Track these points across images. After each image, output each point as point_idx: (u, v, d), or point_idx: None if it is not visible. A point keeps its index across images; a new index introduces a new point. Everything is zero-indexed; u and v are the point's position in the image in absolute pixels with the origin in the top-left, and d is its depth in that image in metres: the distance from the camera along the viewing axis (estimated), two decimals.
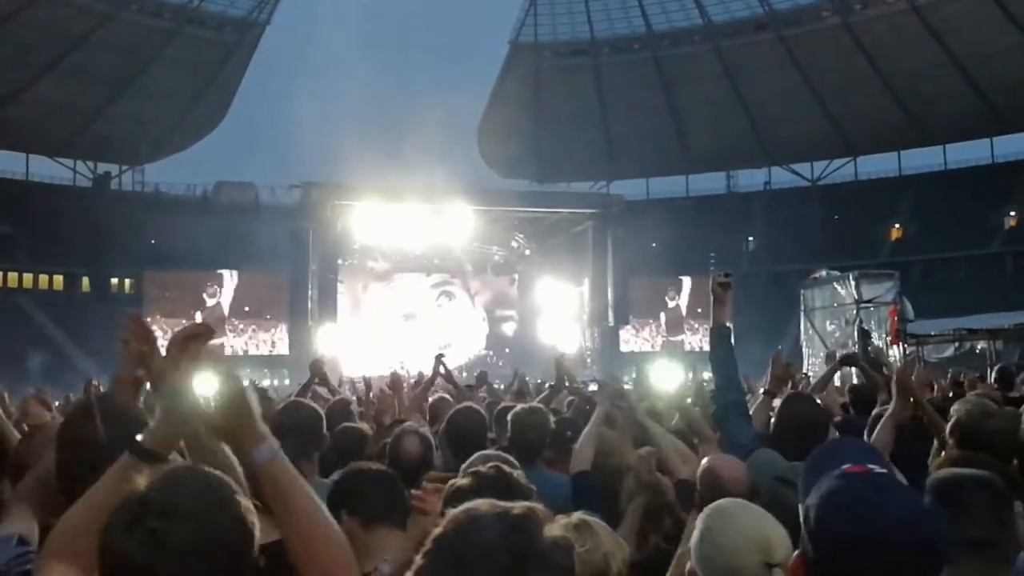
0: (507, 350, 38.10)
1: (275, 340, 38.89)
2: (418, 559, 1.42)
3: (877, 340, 19.32)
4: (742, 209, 52.93)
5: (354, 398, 8.71)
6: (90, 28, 47.83)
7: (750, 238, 52.60)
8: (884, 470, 1.86)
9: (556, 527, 1.42)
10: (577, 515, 2.01)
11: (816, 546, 1.72)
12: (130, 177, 54.94)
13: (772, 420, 4.44)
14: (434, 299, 39.48)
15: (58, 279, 48.91)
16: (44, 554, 1.90)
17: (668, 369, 4.92)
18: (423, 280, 38.45)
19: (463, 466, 3.34)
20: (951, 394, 7.69)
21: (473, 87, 73.83)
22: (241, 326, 39.12)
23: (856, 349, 17.49)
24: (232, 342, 37.92)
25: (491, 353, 38.10)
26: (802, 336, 23.51)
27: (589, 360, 33.48)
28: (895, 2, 48.62)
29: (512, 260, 37.89)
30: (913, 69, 50.05)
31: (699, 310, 42.52)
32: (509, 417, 4.82)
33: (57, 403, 10.08)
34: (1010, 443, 3.78)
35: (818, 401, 4.96)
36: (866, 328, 19.57)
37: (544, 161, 58.00)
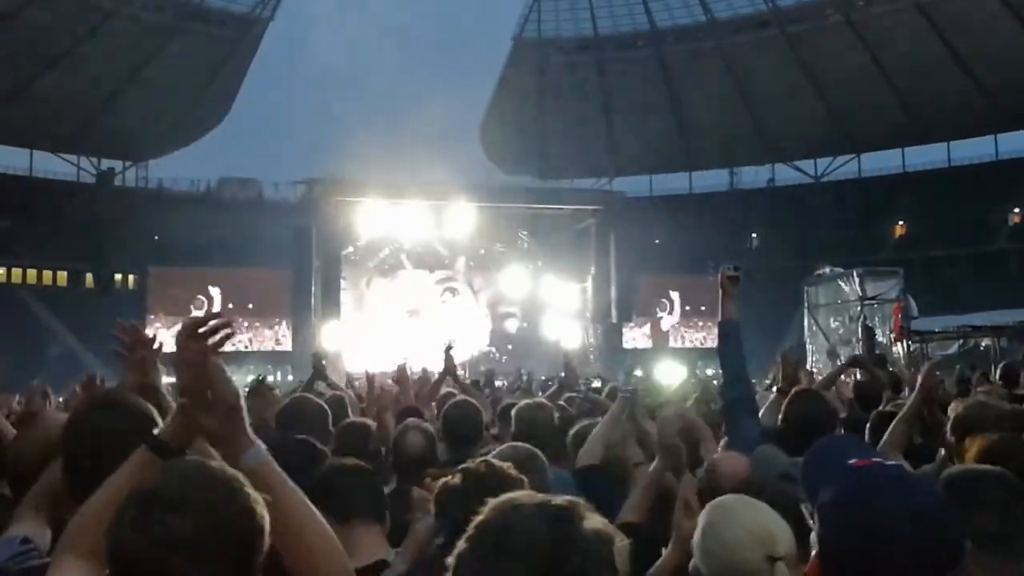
0: (510, 347, 38.11)
1: (279, 336, 38.96)
2: (460, 544, 1.42)
3: (881, 337, 19.32)
4: (745, 206, 52.95)
5: (351, 393, 8.68)
6: (94, 24, 47.84)
7: (753, 235, 52.62)
8: (892, 461, 1.86)
9: (596, 519, 1.43)
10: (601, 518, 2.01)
11: (833, 542, 1.71)
12: (134, 173, 54.99)
13: (779, 417, 4.43)
14: (438, 295, 39.49)
15: (62, 275, 48.94)
16: (60, 549, 1.91)
17: (671, 367, 4.94)
18: (427, 276, 38.46)
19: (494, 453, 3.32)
20: (956, 392, 7.69)
21: (476, 83, 73.76)
22: (245, 323, 39.21)
23: (860, 346, 17.49)
24: (235, 338, 37.91)
25: (494, 350, 38.11)
26: (806, 333, 23.53)
27: (592, 357, 33.50)
28: None
29: (515, 257, 37.88)
30: (917, 66, 49.98)
31: (703, 308, 42.54)
32: (513, 412, 4.82)
33: (61, 398, 10.09)
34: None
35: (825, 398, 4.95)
36: (870, 325, 19.57)
37: (547, 158, 58.01)
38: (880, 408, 5.52)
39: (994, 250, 48.83)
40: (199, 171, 57.43)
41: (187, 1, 51.04)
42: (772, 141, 56.10)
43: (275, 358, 35.17)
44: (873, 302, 20.59)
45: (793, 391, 4.57)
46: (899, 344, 19.13)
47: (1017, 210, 50.38)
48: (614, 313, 35.37)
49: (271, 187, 53.63)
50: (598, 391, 8.80)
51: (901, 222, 52.86)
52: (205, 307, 37.26)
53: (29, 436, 3.13)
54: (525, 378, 13.79)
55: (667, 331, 44.27)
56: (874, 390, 6.96)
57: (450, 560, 1.42)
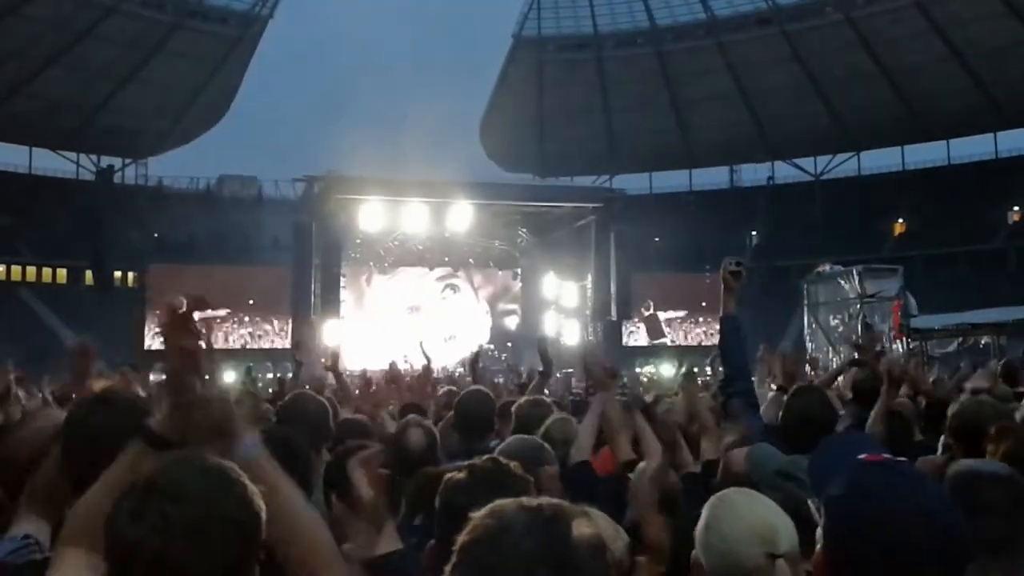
0: (509, 344, 38.13)
1: (278, 334, 39.00)
2: (447, 569, 1.36)
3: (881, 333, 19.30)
4: (745, 204, 52.98)
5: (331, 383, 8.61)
6: (93, 21, 47.82)
7: (753, 233, 52.60)
8: (902, 459, 1.86)
9: (586, 525, 1.37)
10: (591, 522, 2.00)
11: (841, 537, 1.70)
12: (133, 171, 54.96)
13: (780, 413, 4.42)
14: (438, 292, 39.52)
15: (61, 272, 48.92)
16: (60, 542, 1.91)
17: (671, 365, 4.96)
18: (426, 274, 38.48)
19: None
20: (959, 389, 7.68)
21: (476, 81, 73.75)
22: (246, 319, 39.24)
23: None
24: (236, 336, 38.03)
25: (493, 347, 38.11)
26: (805, 331, 23.53)
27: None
28: None
29: (515, 254, 37.89)
30: (916, 64, 50.01)
31: (703, 304, 42.52)
32: (513, 409, 4.82)
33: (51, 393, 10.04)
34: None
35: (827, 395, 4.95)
36: (870, 323, 19.57)
37: (547, 155, 58.01)
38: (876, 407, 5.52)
39: (993, 248, 48.84)
40: (199, 168, 57.34)
41: None
42: (772, 139, 56.11)
43: (275, 355, 35.17)
44: (873, 300, 20.60)
45: (794, 388, 4.57)
46: (898, 342, 19.14)
47: (1016, 208, 50.41)
48: (614, 311, 35.33)
49: (271, 184, 53.68)
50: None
51: (901, 220, 52.89)
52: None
53: (22, 433, 3.13)
54: (524, 376, 13.78)
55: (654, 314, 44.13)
56: (873, 388, 6.95)
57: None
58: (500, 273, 38.66)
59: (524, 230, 36.86)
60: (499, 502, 1.41)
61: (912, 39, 48.72)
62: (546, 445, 3.43)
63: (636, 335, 41.91)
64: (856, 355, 7.66)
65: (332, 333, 32.30)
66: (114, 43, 49.22)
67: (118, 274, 46.29)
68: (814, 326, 22.85)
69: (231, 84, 56.32)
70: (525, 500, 1.42)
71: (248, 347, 38.46)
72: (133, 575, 1.57)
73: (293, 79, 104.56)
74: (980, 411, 3.85)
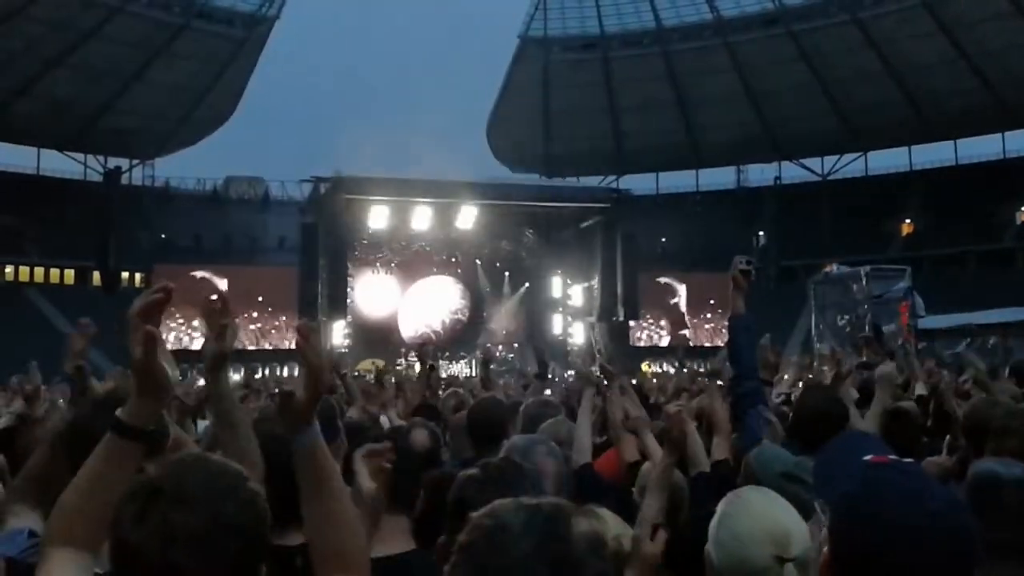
0: (515, 344, 38.14)
1: (285, 334, 39.10)
2: (445, 569, 1.37)
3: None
4: (752, 204, 52.86)
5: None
6: (99, 22, 47.91)
7: (760, 233, 52.49)
8: (909, 459, 1.85)
9: (584, 522, 1.37)
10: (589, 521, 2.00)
11: (847, 538, 1.69)
12: (140, 172, 55.07)
13: (791, 414, 4.41)
14: (443, 293, 39.56)
15: (68, 273, 49.02)
16: (43, 542, 1.89)
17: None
18: (433, 274, 38.53)
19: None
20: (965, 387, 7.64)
21: (483, 82, 73.82)
22: (255, 314, 39.37)
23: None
24: (243, 336, 38.03)
25: (501, 347, 38.10)
26: (813, 331, 23.52)
27: (599, 355, 33.45)
28: None
29: (521, 255, 37.89)
30: (923, 64, 49.93)
31: (711, 301, 42.53)
32: (521, 410, 4.82)
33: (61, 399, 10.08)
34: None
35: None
36: (877, 323, 19.56)
37: (553, 156, 58.03)
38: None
39: (1001, 248, 48.72)
40: (206, 170, 57.50)
41: None
42: (779, 139, 56.07)
43: (281, 356, 35.25)
44: (880, 300, 20.60)
45: (805, 386, 4.57)
46: (908, 342, 19.12)
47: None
48: (620, 311, 35.32)
49: (277, 185, 53.73)
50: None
51: (908, 220, 52.80)
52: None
53: (35, 433, 3.14)
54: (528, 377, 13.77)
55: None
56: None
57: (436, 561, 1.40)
58: (506, 273, 38.64)
59: (531, 230, 36.90)
60: (498, 502, 1.41)
61: (919, 39, 48.65)
62: (552, 443, 3.42)
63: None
64: (864, 358, 7.65)
65: (337, 333, 32.38)
66: (120, 44, 49.30)
67: (125, 275, 46.31)
68: (821, 327, 22.84)
69: (238, 85, 56.38)
70: (524, 499, 1.42)
71: (254, 348, 38.54)
72: None
73: (300, 80, 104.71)
74: (991, 411, 3.84)
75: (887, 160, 56.78)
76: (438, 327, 39.46)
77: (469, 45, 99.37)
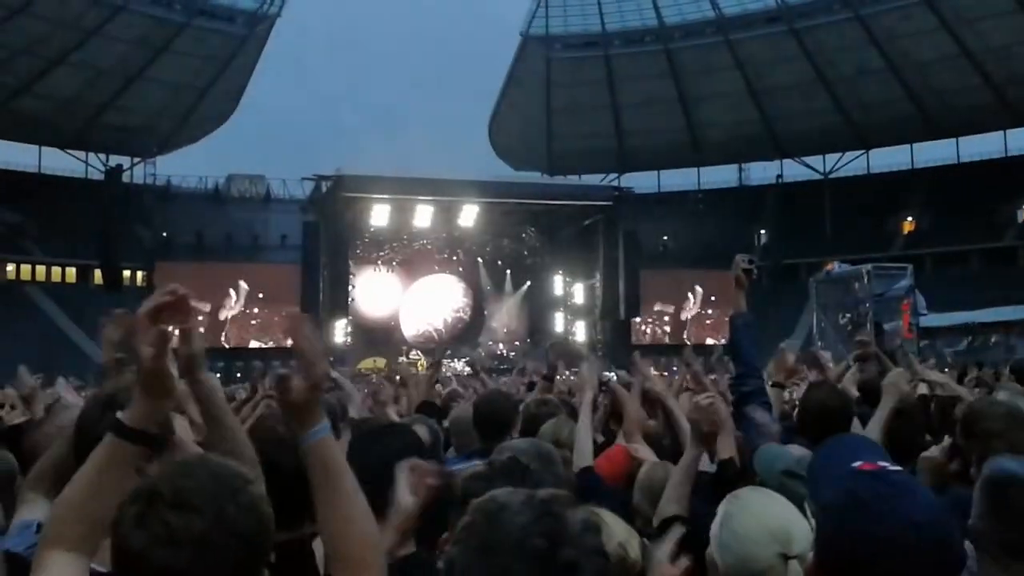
0: (517, 343, 38.17)
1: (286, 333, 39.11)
2: (448, 548, 1.42)
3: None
4: (753, 202, 52.78)
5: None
6: (101, 20, 47.89)
7: (762, 231, 52.45)
8: (898, 467, 1.85)
9: (581, 510, 1.42)
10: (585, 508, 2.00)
11: (832, 547, 1.71)
12: (142, 170, 54.99)
13: (795, 409, 4.41)
14: (444, 291, 39.56)
15: (70, 271, 49.01)
16: (41, 543, 1.88)
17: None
18: (434, 272, 38.53)
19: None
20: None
21: (485, 80, 73.79)
22: (253, 316, 39.35)
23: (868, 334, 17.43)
24: (245, 334, 38.12)
25: (502, 344, 38.16)
26: (814, 330, 23.50)
27: (600, 353, 33.49)
28: None
29: (523, 253, 37.90)
30: (925, 62, 49.86)
31: (712, 298, 42.50)
32: (520, 409, 4.81)
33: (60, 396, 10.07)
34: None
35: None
36: (879, 322, 19.55)
37: (555, 154, 58.00)
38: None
39: (1003, 246, 48.66)
40: (207, 168, 57.27)
41: None
42: (781, 137, 56.01)
43: (283, 354, 35.25)
44: (882, 299, 20.59)
45: (810, 383, 4.56)
46: (908, 340, 19.10)
47: None
48: (622, 309, 35.34)
49: (279, 183, 53.64)
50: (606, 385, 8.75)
51: (910, 218, 52.73)
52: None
53: (45, 429, 3.15)
54: (530, 376, 13.75)
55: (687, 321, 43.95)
56: (879, 385, 6.91)
57: (440, 565, 1.43)
58: (507, 271, 38.66)
59: (532, 228, 36.92)
60: (496, 491, 1.48)
61: (922, 36, 48.56)
62: (555, 452, 3.41)
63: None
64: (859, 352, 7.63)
65: (339, 331, 32.40)
66: (122, 42, 49.30)
67: (127, 273, 46.27)
68: (823, 325, 22.82)
69: (239, 83, 56.35)
70: (523, 490, 1.47)
71: (255, 346, 38.53)
72: None
73: (301, 78, 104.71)
74: (991, 410, 3.82)
75: (889, 158, 56.72)
76: (440, 325, 39.50)
77: (471, 43, 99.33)
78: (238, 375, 29.88)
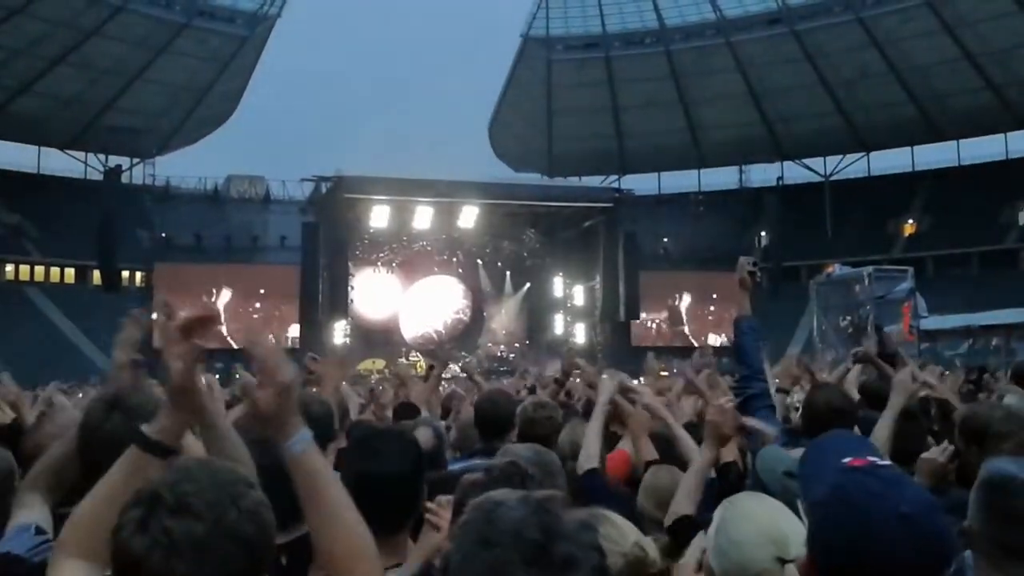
0: (517, 344, 38.17)
1: (286, 332, 39.13)
2: (447, 548, 1.43)
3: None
4: (754, 205, 52.81)
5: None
6: (101, 20, 47.92)
7: (762, 233, 52.49)
8: (887, 462, 1.88)
9: (577, 511, 1.43)
10: (592, 510, 1.98)
11: (823, 542, 1.74)
12: (141, 170, 55.04)
13: (800, 410, 4.41)
14: (444, 292, 39.57)
15: (69, 272, 49.04)
16: (56, 550, 1.89)
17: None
18: (434, 273, 38.54)
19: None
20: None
21: (485, 81, 73.81)
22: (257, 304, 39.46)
23: (872, 345, 17.40)
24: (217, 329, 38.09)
25: (503, 346, 38.16)
26: (815, 332, 23.49)
27: (600, 355, 33.49)
28: None
29: (523, 254, 37.89)
30: (926, 64, 49.91)
31: (714, 296, 42.50)
32: (517, 411, 4.78)
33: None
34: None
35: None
36: (880, 324, 19.54)
37: (555, 155, 58.08)
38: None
39: (1004, 249, 48.71)
40: (206, 168, 57.27)
41: None
42: (781, 139, 56.09)
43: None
44: (883, 301, 20.59)
45: (813, 384, 4.57)
46: (909, 342, 19.09)
47: None
48: (622, 311, 35.33)
49: (278, 184, 53.66)
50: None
51: (911, 221, 52.76)
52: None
53: (46, 429, 3.15)
54: (531, 379, 13.73)
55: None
56: (880, 388, 6.91)
57: (437, 563, 1.42)
58: (508, 273, 38.67)
59: (532, 230, 36.92)
60: (494, 492, 1.48)
61: (922, 39, 48.62)
62: (556, 459, 3.38)
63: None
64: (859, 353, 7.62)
65: (338, 332, 32.38)
66: (122, 42, 49.33)
67: (126, 274, 46.34)
68: (824, 327, 22.80)
69: (239, 84, 56.42)
70: (520, 490, 1.49)
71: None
72: None
73: (301, 79, 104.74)
74: (991, 413, 3.81)
75: (890, 160, 56.75)
76: (439, 327, 39.51)
77: (471, 44, 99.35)
78: (236, 376, 29.83)
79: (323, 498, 1.87)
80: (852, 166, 57.41)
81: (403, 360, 33.27)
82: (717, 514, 2.37)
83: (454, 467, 4.19)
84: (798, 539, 2.15)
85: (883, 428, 4.16)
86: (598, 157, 57.66)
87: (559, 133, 58.37)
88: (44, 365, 27.29)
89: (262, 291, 39.83)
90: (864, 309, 20.84)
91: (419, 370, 23.36)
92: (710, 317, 43.51)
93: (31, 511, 2.55)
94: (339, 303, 32.60)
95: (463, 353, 34.01)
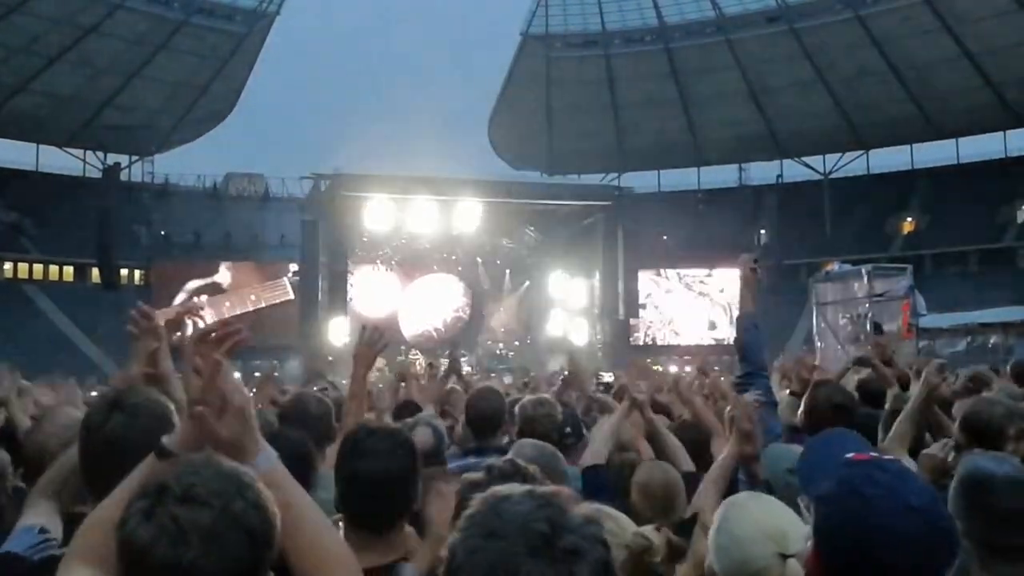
0: (516, 343, 38.16)
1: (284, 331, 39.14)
2: (451, 537, 1.44)
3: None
4: (753, 202, 52.81)
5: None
6: (99, 18, 47.88)
7: (761, 231, 52.48)
8: (890, 456, 1.89)
9: (583, 507, 1.45)
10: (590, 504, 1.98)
11: (830, 536, 1.74)
12: (139, 168, 55.07)
13: (802, 407, 4.42)
14: (443, 290, 39.56)
15: (68, 270, 49.02)
16: (69, 554, 1.89)
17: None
18: (434, 272, 38.52)
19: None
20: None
21: (485, 78, 73.79)
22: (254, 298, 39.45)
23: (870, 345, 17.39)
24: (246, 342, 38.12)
25: (501, 345, 38.14)
26: (814, 330, 23.47)
27: (600, 354, 33.47)
28: None
29: (522, 252, 37.87)
30: (926, 62, 49.91)
31: (712, 299, 42.52)
32: (516, 409, 4.78)
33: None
34: None
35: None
36: (878, 322, 19.54)
37: (555, 153, 58.03)
38: (887, 406, 5.49)
39: (1003, 247, 48.72)
40: (205, 166, 57.23)
41: None
42: (781, 137, 56.09)
43: (281, 352, 35.25)
44: (881, 299, 20.57)
45: (814, 381, 4.59)
46: (907, 341, 19.09)
47: None
48: (621, 309, 35.29)
49: (277, 182, 53.71)
50: (608, 386, 8.74)
51: (910, 219, 52.77)
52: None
53: (47, 429, 3.16)
54: (532, 375, 13.75)
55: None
56: (878, 388, 6.92)
57: (442, 553, 1.43)
58: (507, 271, 38.65)
59: (532, 228, 36.89)
60: (500, 486, 1.51)
61: (922, 37, 48.63)
62: (559, 454, 3.39)
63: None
64: (861, 355, 7.64)
65: (338, 331, 32.36)
66: (121, 39, 49.29)
67: (125, 272, 46.34)
68: (823, 325, 22.78)
69: (238, 81, 56.37)
70: (523, 485, 1.51)
71: (254, 344, 38.51)
72: None
73: (300, 76, 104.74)
74: (992, 410, 3.82)
75: (889, 158, 56.76)
76: (439, 325, 39.51)
77: (471, 42, 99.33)
78: (236, 375, 29.82)
79: (293, 515, 1.82)
80: (851, 164, 57.44)
81: (402, 358, 33.27)
82: (718, 514, 2.39)
83: (452, 466, 4.19)
84: (798, 535, 2.16)
85: (906, 420, 4.16)
86: (598, 155, 57.66)
87: (559, 131, 58.34)
88: (43, 363, 27.29)
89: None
90: (863, 307, 20.83)
91: (419, 368, 23.33)
92: (710, 315, 43.52)
93: (38, 513, 2.56)
94: (338, 301, 32.57)
95: (462, 351, 33.97)
